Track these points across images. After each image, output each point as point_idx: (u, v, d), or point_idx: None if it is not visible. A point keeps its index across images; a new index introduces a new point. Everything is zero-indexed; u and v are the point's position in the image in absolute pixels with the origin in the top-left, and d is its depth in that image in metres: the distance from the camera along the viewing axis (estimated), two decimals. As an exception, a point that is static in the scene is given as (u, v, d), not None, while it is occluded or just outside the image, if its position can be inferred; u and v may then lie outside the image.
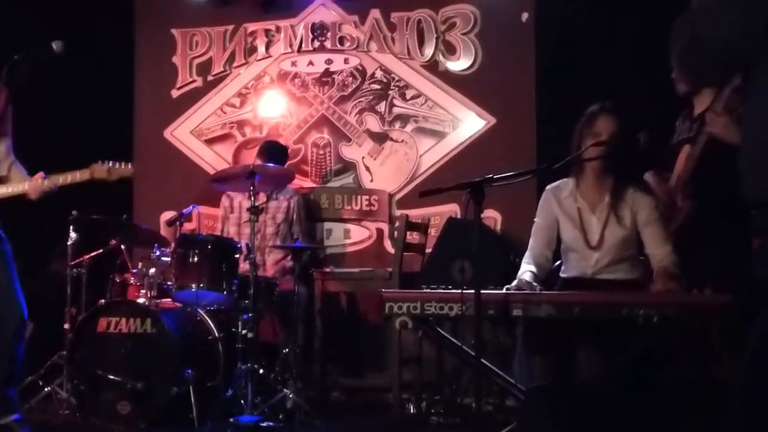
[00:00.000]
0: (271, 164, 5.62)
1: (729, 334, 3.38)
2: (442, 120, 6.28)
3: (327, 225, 6.44)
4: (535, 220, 4.05)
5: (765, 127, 2.10)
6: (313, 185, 6.49)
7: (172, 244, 5.34)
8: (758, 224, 2.11)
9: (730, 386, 2.98)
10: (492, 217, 6.00)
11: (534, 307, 3.44)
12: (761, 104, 2.12)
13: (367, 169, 6.40)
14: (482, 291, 3.32)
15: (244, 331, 4.93)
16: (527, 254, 4.02)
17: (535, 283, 3.75)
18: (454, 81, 6.29)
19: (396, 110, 6.37)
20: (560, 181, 4.03)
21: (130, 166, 5.12)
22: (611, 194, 3.88)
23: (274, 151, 6.05)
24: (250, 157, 6.19)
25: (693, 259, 3.86)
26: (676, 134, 4.26)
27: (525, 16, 6.16)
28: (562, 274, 4.01)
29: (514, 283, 3.75)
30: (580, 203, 3.93)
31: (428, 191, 3.89)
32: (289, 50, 6.64)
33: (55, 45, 4.49)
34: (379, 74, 6.44)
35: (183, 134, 6.80)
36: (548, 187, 4.05)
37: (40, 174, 4.42)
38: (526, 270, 3.89)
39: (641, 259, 3.91)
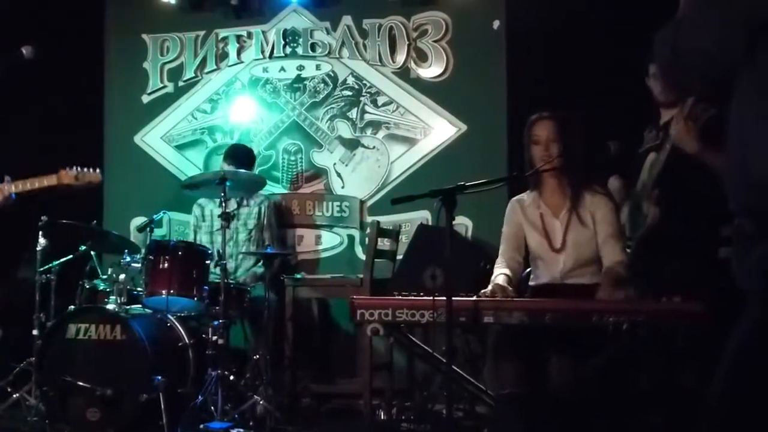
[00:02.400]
0: (242, 170, 5.61)
1: (698, 342, 3.40)
2: (413, 127, 6.28)
3: (298, 231, 6.42)
4: (503, 229, 4.10)
5: (745, 137, 2.11)
6: (285, 191, 6.47)
7: (143, 250, 5.30)
8: (739, 232, 2.11)
9: (698, 394, 3.01)
10: (463, 223, 6.01)
11: (505, 315, 3.45)
12: (742, 115, 2.13)
13: (339, 175, 6.39)
14: (453, 298, 3.33)
15: (214, 338, 4.91)
16: (499, 259, 4.06)
17: (510, 287, 3.78)
18: (425, 88, 6.30)
19: (367, 117, 6.37)
20: (523, 193, 4.09)
21: (98, 172, 5.10)
22: (570, 198, 3.93)
23: (241, 154, 6.04)
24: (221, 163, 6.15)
25: (660, 267, 3.89)
26: (644, 143, 4.30)
27: (496, 23, 6.17)
28: (531, 283, 4.05)
29: (489, 287, 3.77)
30: (542, 209, 4.00)
31: (400, 198, 3.90)
32: (261, 56, 6.62)
33: (26, 50, 4.45)
34: (350, 81, 6.44)
35: (153, 140, 6.76)
36: (513, 199, 4.14)
37: (6, 178, 4.37)
38: (500, 273, 3.93)
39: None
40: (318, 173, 6.45)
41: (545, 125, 3.96)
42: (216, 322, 4.93)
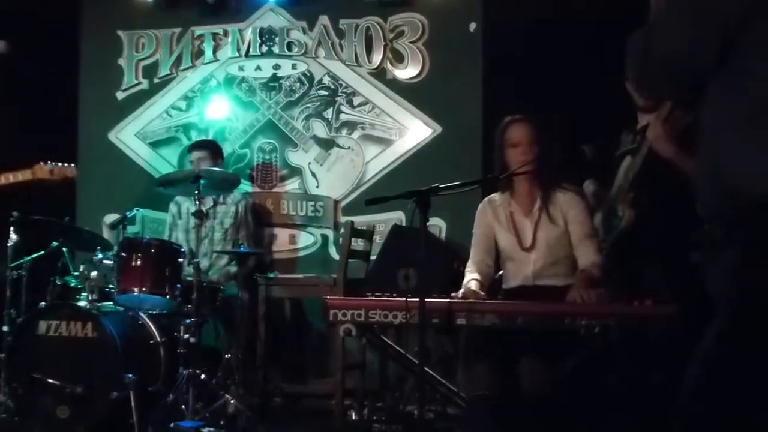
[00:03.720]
0: (217, 168, 5.59)
1: (668, 345, 3.42)
2: (388, 128, 6.28)
3: (272, 230, 6.41)
4: (473, 231, 4.11)
5: (717, 143, 2.12)
6: (259, 190, 6.45)
7: (115, 248, 5.27)
8: (709, 238, 2.13)
9: (668, 395, 3.02)
10: (437, 225, 6.02)
11: (478, 316, 3.45)
12: (714, 121, 2.14)
13: (313, 175, 6.38)
14: (426, 299, 3.33)
15: (186, 336, 4.88)
16: (469, 263, 4.06)
17: (481, 292, 3.79)
18: (401, 89, 6.30)
19: (343, 117, 6.37)
20: (493, 194, 4.11)
21: (73, 167, 5.06)
22: (541, 196, 3.95)
23: (209, 143, 6.09)
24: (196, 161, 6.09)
25: (633, 269, 3.92)
26: (621, 146, 4.32)
27: (473, 26, 6.18)
28: (504, 286, 4.05)
29: (460, 291, 3.77)
30: (513, 207, 4.01)
31: (375, 199, 3.90)
32: (237, 54, 6.60)
33: (0, 45, 4.40)
34: (326, 80, 6.43)
35: (128, 137, 6.71)
36: (485, 199, 4.15)
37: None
38: (471, 279, 3.93)
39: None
40: (293, 172, 6.43)
41: (520, 128, 3.97)
42: (188, 321, 4.90)
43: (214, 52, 6.64)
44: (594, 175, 4.38)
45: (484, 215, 4.10)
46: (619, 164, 4.22)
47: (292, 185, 6.44)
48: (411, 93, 6.29)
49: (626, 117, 4.30)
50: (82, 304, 4.98)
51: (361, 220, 6.02)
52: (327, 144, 6.39)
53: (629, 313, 3.39)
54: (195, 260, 4.97)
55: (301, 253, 6.39)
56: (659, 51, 2.12)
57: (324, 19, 6.47)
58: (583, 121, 4.91)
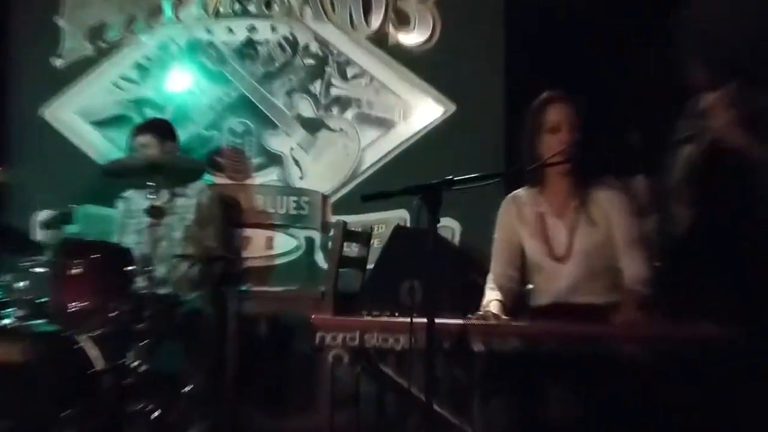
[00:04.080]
0: (177, 154, 5.58)
1: (732, 377, 3.42)
2: (390, 106, 6.30)
3: (245, 232, 6.42)
4: (494, 236, 4.11)
5: None
6: (229, 182, 6.47)
7: (49, 252, 5.26)
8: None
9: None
10: (449, 226, 6.04)
11: (498, 340, 3.45)
12: None
13: (297, 163, 6.40)
14: (436, 319, 3.32)
15: (136, 362, 4.87)
16: (490, 277, 4.07)
17: (503, 316, 3.79)
18: (406, 58, 6.32)
19: (334, 92, 6.38)
20: (518, 189, 4.10)
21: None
22: (579, 194, 3.95)
23: (160, 125, 6.02)
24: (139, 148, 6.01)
25: (691, 283, 3.92)
26: (676, 133, 4.32)
27: (496, -20, 6.18)
28: (531, 303, 4.06)
29: (481, 315, 3.78)
30: (543, 207, 4.01)
31: (372, 195, 3.87)
32: (203, 14, 6.61)
33: None
34: (314, 47, 6.45)
35: (67, 114, 6.72)
36: (508, 196, 4.14)
37: None
38: (492, 299, 3.97)
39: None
40: (271, 160, 6.45)
41: (561, 109, 3.96)
42: (139, 343, 4.89)
43: (175, 11, 6.64)
44: (644, 169, 4.38)
45: (508, 216, 4.10)
46: (675, 155, 4.23)
47: (269, 176, 6.46)
48: (418, 63, 6.31)
49: (683, 97, 4.30)
50: (7, 321, 4.98)
51: (355, 220, 5.95)
52: (314, 125, 6.41)
53: (683, 337, 3.38)
54: (149, 267, 4.97)
55: (281, 260, 6.40)
56: (712, 34, 2.15)
57: (311, -29, 6.49)
58: (630, 102, 4.91)
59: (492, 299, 3.95)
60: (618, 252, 3.92)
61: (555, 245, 3.97)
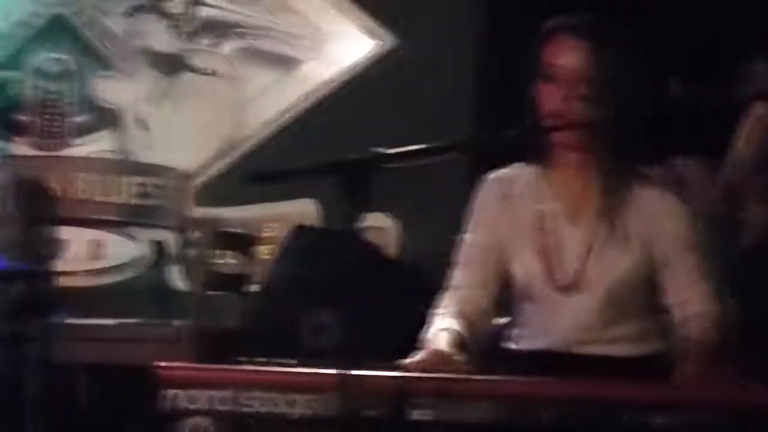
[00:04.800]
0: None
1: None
2: (294, 37, 6.30)
3: (60, 232, 6.38)
4: (464, 235, 4.04)
5: None
6: (36, 152, 6.48)
7: None
8: None
9: None
10: (381, 227, 6.04)
11: (458, 405, 3.39)
12: None
13: (143, 124, 6.38)
14: (357, 371, 3.26)
15: None
16: (446, 298, 4.00)
17: (459, 356, 3.72)
18: (319, -39, 6.34)
19: (204, 12, 6.41)
20: (512, 166, 4.04)
21: None
22: (603, 192, 3.89)
23: None
24: None
25: (763, 317, 3.90)
26: (745, 82, 4.31)
27: None
28: (512, 344, 4.00)
29: (417, 356, 3.71)
30: (548, 204, 3.93)
31: (262, 175, 3.82)
32: None
33: None
34: (171, -61, 6.46)
35: None
36: (490, 176, 4.05)
37: None
38: (444, 328, 3.86)
39: (662, 318, 3.93)
40: (102, 120, 6.49)
41: (573, 48, 3.90)
42: None
43: None
44: (692, 144, 4.37)
45: (489, 208, 4.01)
46: (743, 120, 4.20)
47: (99, 144, 6.48)
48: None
49: (757, 31, 4.29)
50: None
51: (234, 215, 6.08)
52: (171, 64, 6.43)
53: (747, 403, 3.34)
54: None
55: (114, 278, 6.44)
56: None
57: None
58: (674, 37, 4.91)
59: (443, 329, 3.86)
60: (667, 279, 3.87)
61: (560, 266, 3.90)
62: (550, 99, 3.84)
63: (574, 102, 3.79)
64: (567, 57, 3.85)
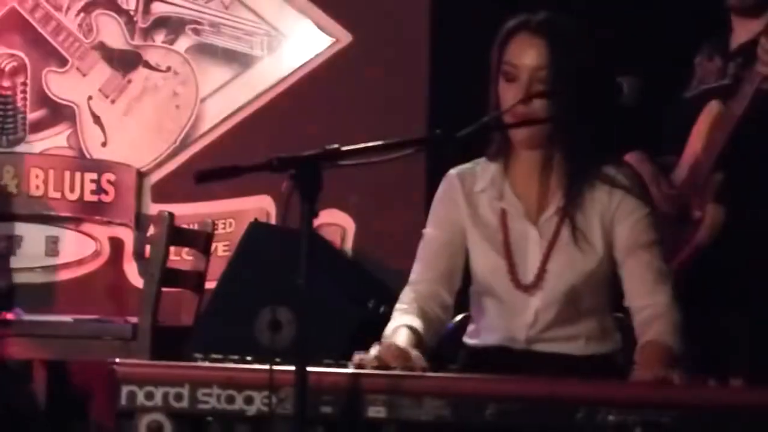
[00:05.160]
0: None
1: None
2: (248, 33, 6.31)
3: (12, 227, 6.42)
4: (424, 230, 4.03)
5: None
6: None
7: None
8: None
9: None
10: (338, 224, 6.04)
11: (410, 402, 3.39)
12: None
13: (98, 120, 6.40)
14: (311, 368, 3.26)
15: None
16: (407, 293, 3.99)
17: (415, 351, 3.72)
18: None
19: (158, 8, 6.38)
20: (474, 161, 4.04)
21: None
22: (566, 190, 3.90)
23: None
24: None
25: (712, 317, 3.95)
26: (695, 80, 4.32)
27: None
28: (469, 340, 4.01)
29: (373, 350, 3.70)
30: (508, 202, 3.93)
31: (215, 171, 3.80)
32: None
33: None
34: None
35: None
36: (452, 171, 4.04)
37: None
38: (401, 324, 3.85)
39: (620, 317, 3.95)
40: (57, 115, 6.46)
41: (534, 47, 3.89)
42: None
43: None
44: (639, 141, 4.39)
45: (450, 204, 3.99)
46: (694, 116, 4.24)
47: (53, 140, 6.46)
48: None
49: (706, 25, 4.29)
50: None
51: (189, 212, 6.07)
52: (125, 61, 6.42)
53: (702, 403, 3.35)
54: None
55: (70, 274, 6.40)
56: None
57: None
58: (624, 33, 4.92)
59: (400, 324, 3.85)
60: (626, 285, 3.87)
61: (522, 265, 3.90)
62: (512, 98, 3.84)
63: (535, 100, 3.80)
64: (529, 56, 3.84)
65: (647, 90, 3.97)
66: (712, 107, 4.17)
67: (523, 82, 3.80)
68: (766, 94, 3.92)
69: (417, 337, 3.77)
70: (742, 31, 4.17)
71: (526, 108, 3.74)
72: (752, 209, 4.02)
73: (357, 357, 3.56)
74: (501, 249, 3.87)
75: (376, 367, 3.54)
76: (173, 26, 6.36)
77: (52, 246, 6.38)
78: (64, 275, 6.38)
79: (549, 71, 3.79)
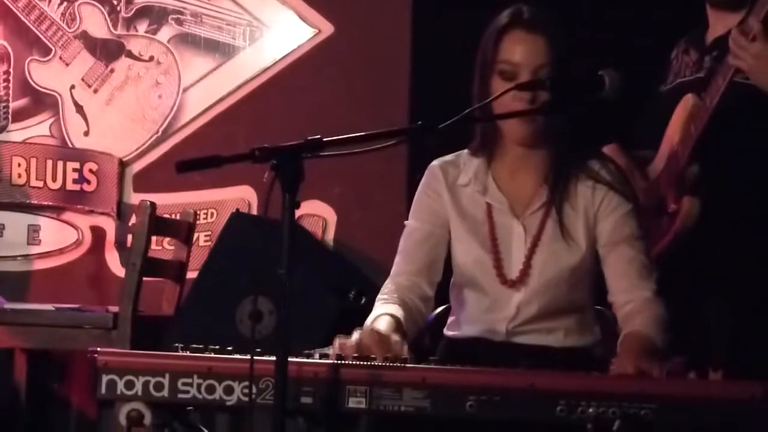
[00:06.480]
0: None
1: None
2: (230, 24, 6.30)
3: None
4: (406, 222, 4.04)
5: None
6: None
7: None
8: None
9: None
10: (318, 215, 6.04)
11: (390, 393, 3.40)
12: None
13: (80, 109, 6.38)
14: (292, 359, 3.27)
15: None
16: (388, 285, 3.98)
17: (397, 338, 3.72)
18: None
19: None
20: (457, 153, 4.04)
21: None
22: (552, 184, 3.90)
23: None
24: None
25: (687, 309, 3.96)
26: (672, 74, 4.35)
27: None
28: (449, 332, 4.01)
29: (354, 336, 3.71)
30: (492, 196, 3.93)
31: (196, 161, 3.80)
32: None
33: None
34: None
35: None
36: (435, 163, 4.04)
37: None
38: (383, 313, 3.85)
39: (600, 310, 3.97)
40: (39, 104, 6.43)
41: (531, 44, 3.88)
42: None
43: None
44: (617, 134, 4.40)
45: (433, 195, 3.98)
46: (669, 109, 4.25)
47: (36, 129, 6.43)
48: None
49: (684, 19, 4.30)
50: None
51: (170, 202, 6.06)
52: (108, 51, 6.39)
53: (681, 395, 3.36)
54: None
55: (50, 263, 6.38)
56: None
57: None
58: (598, 28, 4.93)
59: (382, 313, 3.84)
60: (608, 278, 3.88)
61: (506, 260, 3.90)
62: (512, 97, 3.83)
63: (530, 96, 3.79)
64: (529, 54, 3.83)
65: (625, 85, 4.01)
66: (688, 100, 4.18)
67: (521, 78, 3.79)
68: (739, 86, 3.93)
69: (398, 324, 3.77)
70: (719, 25, 4.16)
71: (524, 104, 3.74)
72: (726, 202, 4.02)
73: (338, 341, 3.57)
74: (486, 243, 3.86)
75: (357, 357, 3.55)
76: (156, 16, 6.33)
77: (34, 235, 6.35)
78: (45, 264, 6.34)
79: (551, 68, 3.79)
